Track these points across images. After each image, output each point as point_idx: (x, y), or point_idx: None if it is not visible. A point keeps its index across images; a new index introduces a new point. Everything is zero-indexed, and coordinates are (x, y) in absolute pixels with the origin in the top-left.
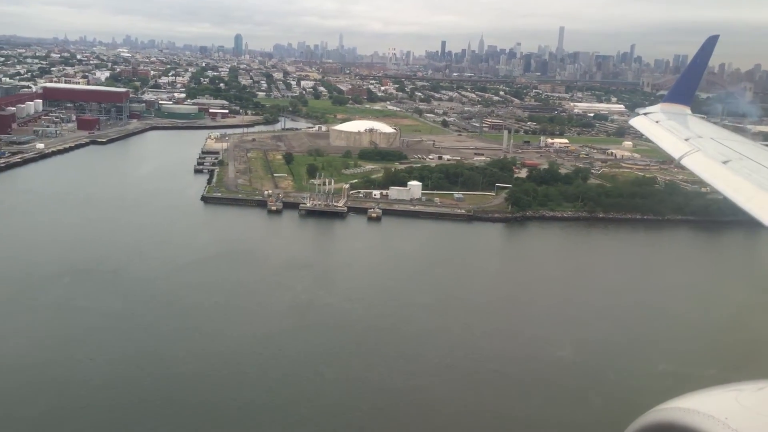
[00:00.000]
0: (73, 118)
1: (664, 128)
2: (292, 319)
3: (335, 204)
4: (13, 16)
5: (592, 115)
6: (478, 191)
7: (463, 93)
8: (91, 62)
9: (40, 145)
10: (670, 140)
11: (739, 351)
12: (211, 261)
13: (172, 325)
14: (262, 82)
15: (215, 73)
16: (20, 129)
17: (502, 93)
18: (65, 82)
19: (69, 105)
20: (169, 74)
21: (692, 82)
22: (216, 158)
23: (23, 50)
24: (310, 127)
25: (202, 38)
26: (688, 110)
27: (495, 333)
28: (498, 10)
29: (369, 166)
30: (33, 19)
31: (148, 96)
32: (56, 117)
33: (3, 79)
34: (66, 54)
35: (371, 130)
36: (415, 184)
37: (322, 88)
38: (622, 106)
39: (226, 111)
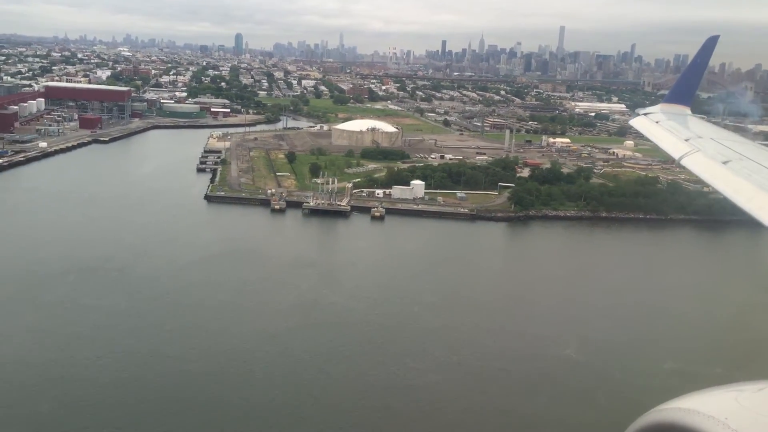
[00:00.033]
0: (75, 116)
1: (664, 128)
2: (297, 317)
3: (339, 203)
4: (14, 14)
5: (593, 114)
6: (481, 190)
7: (464, 92)
8: (92, 61)
9: (43, 144)
10: (670, 140)
11: (743, 350)
12: (216, 259)
13: (178, 324)
14: (263, 81)
15: (216, 72)
16: (23, 128)
17: (503, 92)
18: (66, 81)
19: (71, 104)
20: (170, 73)
21: (692, 83)
22: (218, 157)
23: (24, 49)
24: (311, 127)
25: (203, 37)
26: (688, 110)
27: (500, 331)
28: (498, 9)
29: (371, 166)
30: (33, 18)
31: (150, 95)
32: (58, 116)
33: (4, 78)
34: (67, 53)
35: (373, 130)
36: (418, 184)
37: (323, 88)
38: (623, 105)
39: (228, 110)
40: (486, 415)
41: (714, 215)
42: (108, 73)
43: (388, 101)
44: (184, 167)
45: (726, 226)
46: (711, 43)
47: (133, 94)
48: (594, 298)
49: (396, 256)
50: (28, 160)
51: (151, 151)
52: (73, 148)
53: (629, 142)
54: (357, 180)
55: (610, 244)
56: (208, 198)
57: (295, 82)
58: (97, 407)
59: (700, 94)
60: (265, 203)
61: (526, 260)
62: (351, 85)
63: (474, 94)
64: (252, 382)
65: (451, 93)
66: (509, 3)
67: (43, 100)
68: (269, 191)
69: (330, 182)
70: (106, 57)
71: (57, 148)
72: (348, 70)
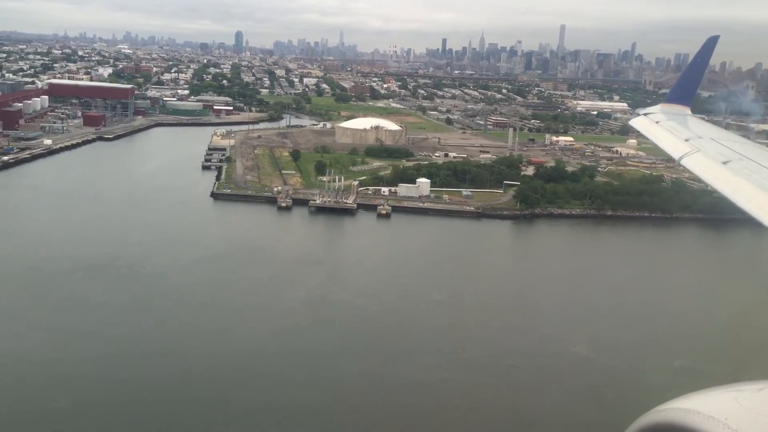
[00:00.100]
0: (79, 114)
1: (664, 129)
2: (306, 314)
3: (345, 201)
4: (13, 12)
5: (595, 113)
6: (486, 189)
7: (466, 91)
8: (93, 58)
9: (48, 141)
10: (670, 141)
11: (751, 349)
12: (225, 257)
13: (188, 322)
14: (265, 79)
15: (217, 70)
16: (27, 125)
17: (504, 91)
18: (68, 78)
19: (74, 101)
20: (172, 71)
21: (692, 83)
22: (223, 155)
23: (24, 46)
24: (314, 124)
25: (203, 35)
26: (688, 111)
27: (508, 329)
28: (498, 7)
29: (376, 164)
30: (33, 15)
31: (152, 93)
32: (62, 113)
33: (7, 75)
34: (67, 50)
35: (377, 128)
36: (423, 181)
37: (324, 86)
38: (624, 104)
39: (231, 108)
40: (497, 411)
41: (718, 213)
42: (109, 70)
43: (390, 99)
44: (188, 165)
45: (730, 225)
46: (711, 44)
47: (135, 92)
48: (600, 297)
49: (403, 254)
50: (34, 158)
51: (155, 148)
52: (78, 145)
53: (632, 141)
54: (362, 178)
55: (616, 242)
56: (215, 195)
57: (296, 80)
58: (107, 407)
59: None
60: (271, 201)
61: (531, 258)
62: (352, 83)
63: (476, 93)
64: (260, 379)
65: (453, 91)
66: (509, 1)
67: (46, 97)
68: (275, 189)
69: (336, 180)
70: (106, 54)
71: (62, 145)
72: (349, 68)
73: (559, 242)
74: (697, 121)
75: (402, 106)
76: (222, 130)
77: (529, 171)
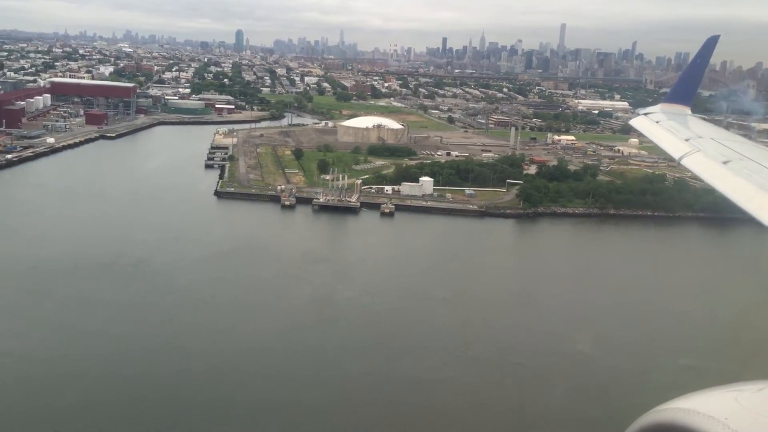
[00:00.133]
0: (81, 112)
1: (665, 128)
2: (312, 313)
3: (348, 199)
4: (13, 10)
5: (596, 112)
6: (489, 187)
7: (467, 89)
8: (94, 57)
9: (51, 140)
10: (670, 140)
11: (750, 349)
12: (229, 255)
13: (192, 320)
14: (266, 77)
15: (218, 69)
16: (30, 123)
17: (505, 90)
18: (70, 76)
19: (76, 100)
20: (173, 69)
21: (693, 83)
22: (226, 153)
23: (25, 45)
24: (316, 123)
25: (203, 33)
26: (688, 110)
27: (512, 327)
28: (498, 6)
29: (379, 162)
30: (33, 14)
31: (154, 91)
32: (65, 112)
33: (8, 74)
34: (68, 49)
35: (379, 126)
36: (426, 180)
37: (325, 84)
38: (626, 103)
39: (232, 107)
40: (502, 409)
41: (721, 212)
42: (110, 69)
43: (391, 98)
44: (191, 163)
45: (733, 223)
46: (711, 43)
47: (137, 91)
48: (603, 295)
49: (406, 252)
50: (37, 156)
51: (157, 147)
52: (81, 143)
53: (634, 140)
54: (365, 176)
55: (619, 241)
56: (218, 194)
57: (297, 78)
58: (112, 405)
59: (702, 92)
60: (274, 199)
61: (535, 257)
62: (353, 82)
63: (477, 92)
64: (263, 377)
65: (454, 90)
66: (509, 0)
67: (48, 96)
68: (279, 187)
69: (339, 179)
70: (107, 53)
71: (64, 143)
72: (349, 67)
73: (563, 241)
74: (697, 121)
75: (403, 105)
76: (224, 128)
77: (532, 170)
